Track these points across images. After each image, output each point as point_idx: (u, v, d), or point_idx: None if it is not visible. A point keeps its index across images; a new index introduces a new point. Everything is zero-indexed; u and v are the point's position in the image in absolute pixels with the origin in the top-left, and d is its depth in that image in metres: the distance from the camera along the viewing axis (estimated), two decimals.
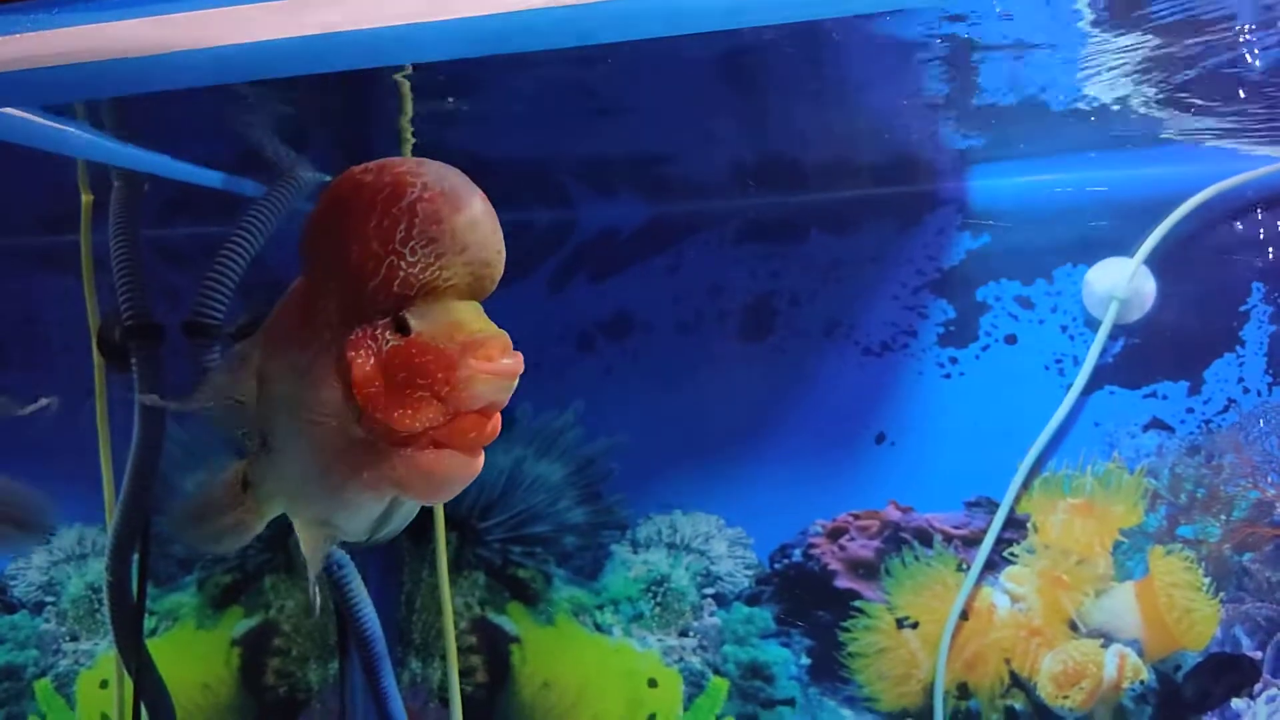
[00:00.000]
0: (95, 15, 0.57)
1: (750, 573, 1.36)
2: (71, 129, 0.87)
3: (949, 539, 1.32)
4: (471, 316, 0.61)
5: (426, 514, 1.25)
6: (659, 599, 1.37)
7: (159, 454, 1.11)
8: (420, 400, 0.59)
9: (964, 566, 1.31)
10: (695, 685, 1.37)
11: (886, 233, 1.33)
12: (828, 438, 1.33)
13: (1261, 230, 1.25)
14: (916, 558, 1.32)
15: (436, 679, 1.41)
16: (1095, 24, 0.80)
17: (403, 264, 0.58)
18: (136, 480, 1.10)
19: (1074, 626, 1.29)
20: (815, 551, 1.34)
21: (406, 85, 0.86)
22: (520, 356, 0.60)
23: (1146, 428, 1.28)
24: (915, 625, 1.33)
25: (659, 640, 1.38)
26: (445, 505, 1.21)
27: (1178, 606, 1.27)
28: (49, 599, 1.44)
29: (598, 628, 1.39)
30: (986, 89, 0.95)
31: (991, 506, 1.30)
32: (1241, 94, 0.98)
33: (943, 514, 1.32)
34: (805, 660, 1.35)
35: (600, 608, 1.39)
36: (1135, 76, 0.91)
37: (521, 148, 1.11)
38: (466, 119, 0.99)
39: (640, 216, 1.37)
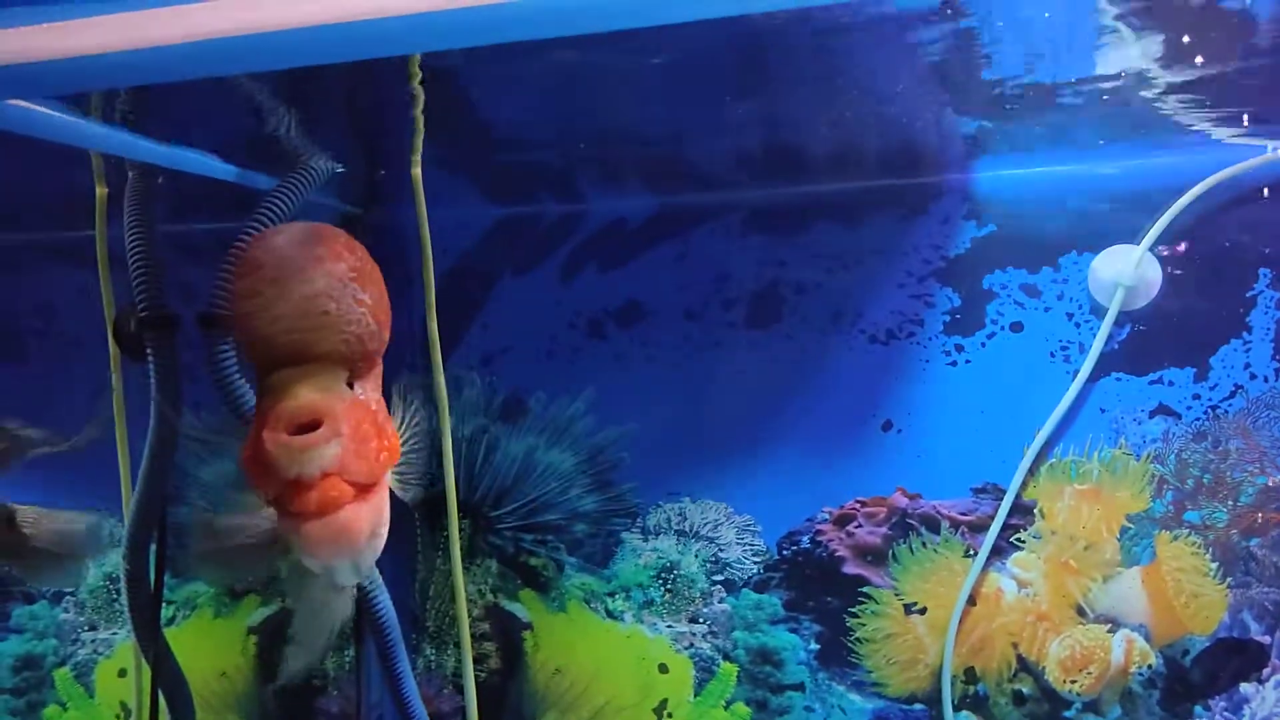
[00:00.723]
0: (111, 6, 0.58)
1: (759, 559, 1.37)
2: (85, 122, 0.88)
3: (956, 525, 1.32)
4: (289, 385, 0.62)
5: (440, 503, 1.26)
6: (669, 586, 1.39)
7: (175, 445, 1.12)
8: (265, 471, 0.61)
9: (971, 552, 1.32)
10: (705, 671, 1.38)
11: (892, 221, 1.33)
12: (835, 425, 1.34)
13: (1268, 216, 1.25)
14: (924, 544, 1.33)
15: (450, 665, 1.43)
16: (1105, 11, 0.80)
17: (244, 337, 0.61)
18: (153, 471, 1.11)
19: (1081, 612, 1.30)
20: (823, 538, 1.35)
21: (419, 74, 0.86)
22: (315, 425, 0.61)
23: (1153, 414, 1.29)
24: (923, 611, 1.34)
25: (669, 626, 1.39)
26: (458, 494, 1.22)
27: (1185, 591, 1.27)
28: (67, 589, 1.46)
29: (609, 614, 1.40)
30: (994, 76, 0.96)
31: (998, 493, 1.31)
32: (1249, 80, 0.98)
33: (950, 500, 1.33)
34: (814, 646, 1.36)
35: (611, 595, 1.40)
36: (1143, 64, 0.92)
37: (534, 137, 1.12)
38: (479, 108, 1.00)
39: (649, 207, 1.38)
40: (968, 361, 1.32)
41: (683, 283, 1.37)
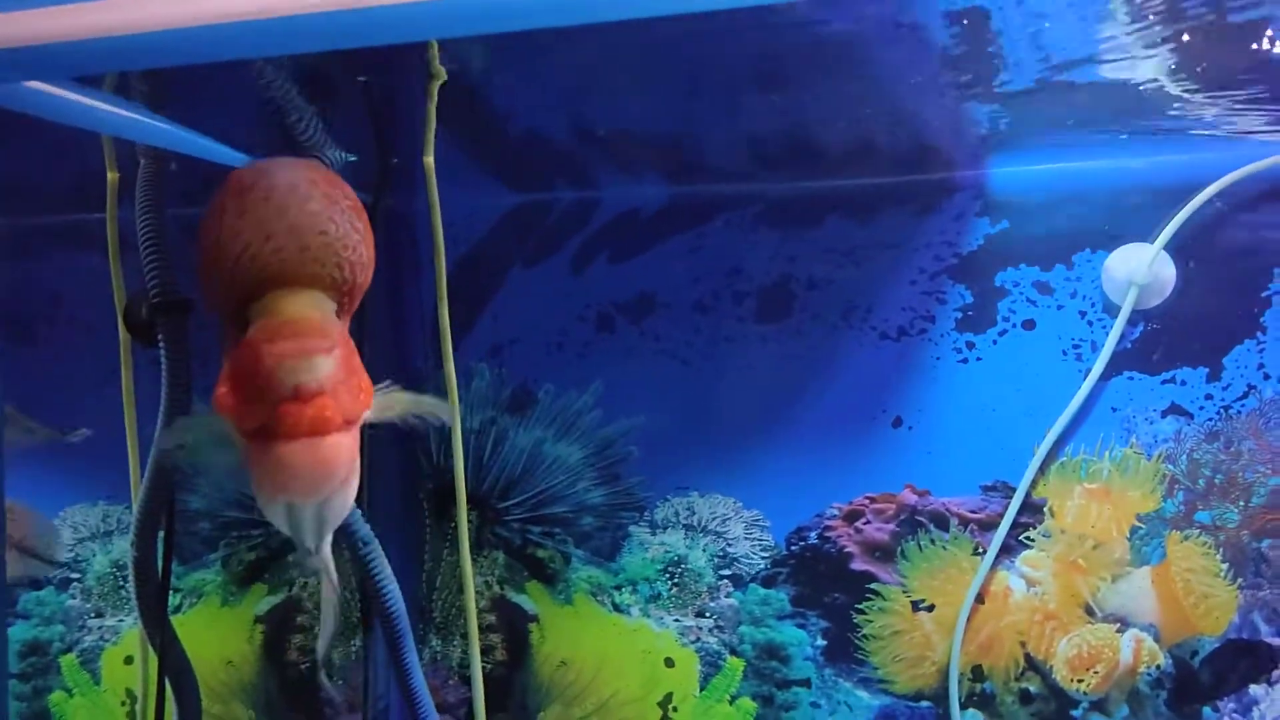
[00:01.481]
0: None
1: (767, 555, 1.36)
2: (99, 104, 0.87)
3: (965, 523, 1.32)
4: (284, 305, 0.61)
5: (448, 494, 1.26)
6: (676, 580, 1.38)
7: None
8: (250, 397, 0.59)
9: (980, 550, 1.31)
10: (711, 665, 1.38)
11: (905, 217, 1.33)
12: (845, 421, 1.34)
13: None
14: (932, 541, 1.33)
15: (456, 656, 1.43)
16: (1121, 9, 0.80)
17: (226, 266, 0.59)
18: (161, 458, 1.11)
19: (1090, 611, 1.30)
20: (831, 534, 1.35)
21: (435, 60, 0.86)
22: (316, 337, 0.59)
23: (1165, 413, 1.28)
24: (931, 608, 1.33)
25: (676, 620, 1.38)
26: (466, 485, 1.22)
27: (1195, 592, 1.27)
28: (74, 576, 1.46)
29: (615, 608, 1.40)
30: (1008, 71, 0.95)
31: (1008, 491, 1.31)
32: (1265, 80, 0.97)
33: (959, 498, 1.32)
34: (821, 642, 1.35)
35: (618, 588, 1.40)
36: (1158, 62, 0.91)
37: (546, 127, 1.12)
38: (493, 96, 0.99)
39: (661, 198, 1.37)
40: (979, 359, 1.32)
41: (694, 276, 1.37)
